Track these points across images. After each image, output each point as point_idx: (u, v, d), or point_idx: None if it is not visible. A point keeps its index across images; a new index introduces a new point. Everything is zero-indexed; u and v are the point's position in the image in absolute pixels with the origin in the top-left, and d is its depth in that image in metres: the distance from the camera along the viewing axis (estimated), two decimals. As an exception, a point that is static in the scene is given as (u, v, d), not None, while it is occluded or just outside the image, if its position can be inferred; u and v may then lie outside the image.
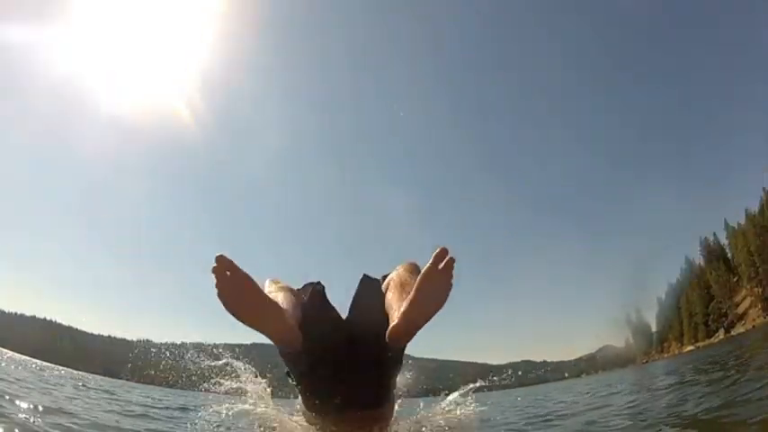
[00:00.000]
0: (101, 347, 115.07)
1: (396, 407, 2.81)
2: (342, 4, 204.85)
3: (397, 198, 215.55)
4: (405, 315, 1.87)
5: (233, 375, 3.25)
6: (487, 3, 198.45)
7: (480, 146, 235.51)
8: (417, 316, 1.91)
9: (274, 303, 1.97)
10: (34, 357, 67.84)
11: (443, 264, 1.82)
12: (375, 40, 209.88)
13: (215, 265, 1.91)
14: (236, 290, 1.90)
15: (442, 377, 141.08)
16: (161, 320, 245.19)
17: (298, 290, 2.47)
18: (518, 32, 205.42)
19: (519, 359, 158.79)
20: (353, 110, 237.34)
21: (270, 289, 2.33)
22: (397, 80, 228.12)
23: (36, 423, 2.24)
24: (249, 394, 3.13)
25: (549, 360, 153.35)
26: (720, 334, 63.02)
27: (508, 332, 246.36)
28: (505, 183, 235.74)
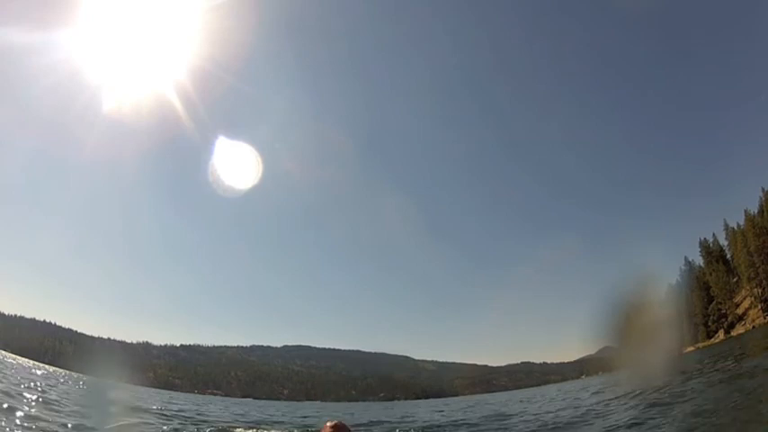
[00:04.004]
0: (101, 350, 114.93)
1: None
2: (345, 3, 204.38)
3: (394, 201, 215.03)
4: None
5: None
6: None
7: (480, 151, 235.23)
8: None
9: None
10: (35, 360, 67.74)
11: None
12: (379, 41, 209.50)
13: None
14: None
15: (443, 378, 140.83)
16: (160, 323, 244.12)
17: None
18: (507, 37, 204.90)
19: (518, 361, 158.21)
20: (354, 109, 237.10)
21: None
22: (386, 81, 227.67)
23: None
24: None
25: (548, 362, 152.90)
26: (720, 335, 63.02)
27: (508, 334, 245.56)
28: (505, 188, 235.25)
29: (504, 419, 12.93)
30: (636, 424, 8.25)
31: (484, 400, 34.53)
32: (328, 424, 3.11)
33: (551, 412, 13.70)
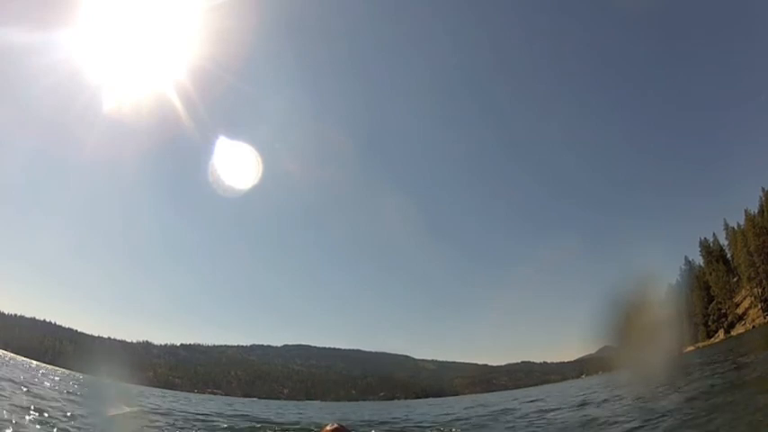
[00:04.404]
0: (101, 349, 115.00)
1: None
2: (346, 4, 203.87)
3: (394, 200, 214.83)
4: None
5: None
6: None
7: (480, 151, 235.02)
8: None
9: None
10: (35, 359, 67.82)
11: None
12: (379, 42, 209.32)
13: None
14: None
15: (443, 378, 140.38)
16: (160, 322, 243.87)
17: None
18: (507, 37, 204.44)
19: (518, 360, 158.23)
20: (354, 109, 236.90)
21: None
22: (386, 81, 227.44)
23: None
24: None
25: (548, 361, 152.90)
26: (720, 334, 63.05)
27: (508, 334, 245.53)
28: (505, 188, 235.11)
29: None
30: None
31: (485, 399, 34.44)
32: (328, 427, 3.09)
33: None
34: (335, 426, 3.11)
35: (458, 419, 13.90)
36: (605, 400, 13.79)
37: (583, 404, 13.66)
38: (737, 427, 6.77)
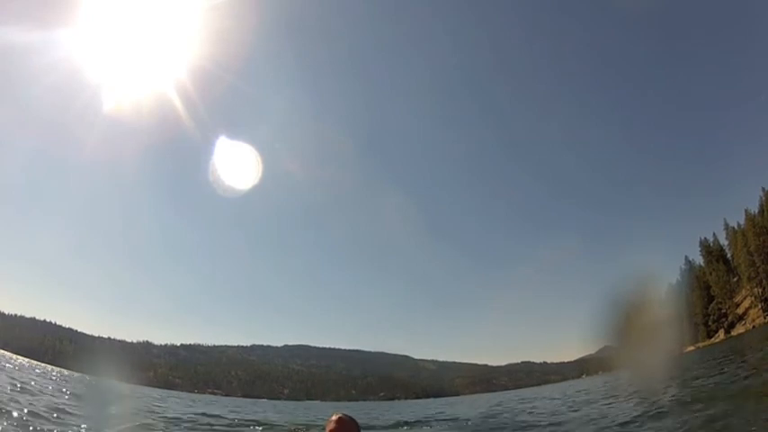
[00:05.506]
0: (101, 349, 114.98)
1: None
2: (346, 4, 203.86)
3: (394, 200, 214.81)
4: None
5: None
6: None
7: (480, 151, 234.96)
8: None
9: None
10: (35, 359, 67.79)
11: None
12: (379, 41, 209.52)
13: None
14: None
15: (443, 378, 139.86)
16: (160, 322, 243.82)
17: None
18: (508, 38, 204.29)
19: (519, 360, 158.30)
20: (354, 109, 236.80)
21: None
22: (386, 81, 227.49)
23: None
24: None
25: (549, 361, 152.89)
26: (720, 334, 63.02)
27: (508, 334, 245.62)
28: (505, 188, 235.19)
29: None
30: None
31: (488, 399, 34.36)
32: (333, 417, 3.10)
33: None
34: (339, 416, 3.14)
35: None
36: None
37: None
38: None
